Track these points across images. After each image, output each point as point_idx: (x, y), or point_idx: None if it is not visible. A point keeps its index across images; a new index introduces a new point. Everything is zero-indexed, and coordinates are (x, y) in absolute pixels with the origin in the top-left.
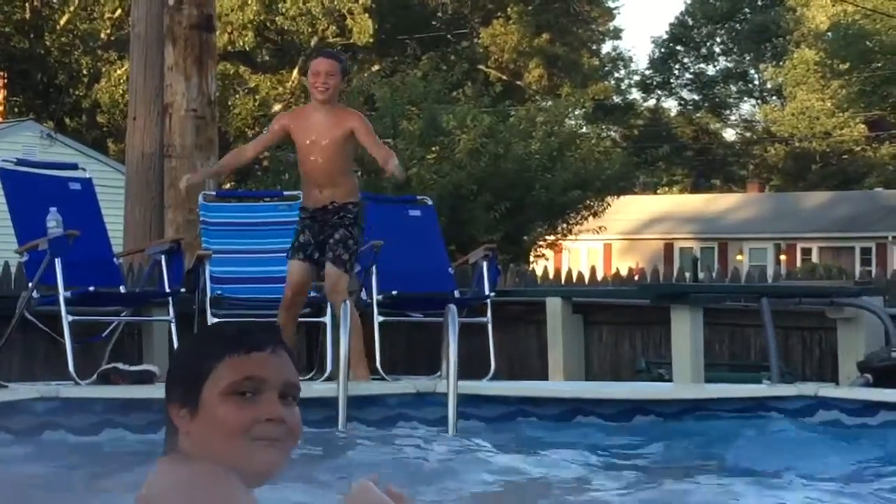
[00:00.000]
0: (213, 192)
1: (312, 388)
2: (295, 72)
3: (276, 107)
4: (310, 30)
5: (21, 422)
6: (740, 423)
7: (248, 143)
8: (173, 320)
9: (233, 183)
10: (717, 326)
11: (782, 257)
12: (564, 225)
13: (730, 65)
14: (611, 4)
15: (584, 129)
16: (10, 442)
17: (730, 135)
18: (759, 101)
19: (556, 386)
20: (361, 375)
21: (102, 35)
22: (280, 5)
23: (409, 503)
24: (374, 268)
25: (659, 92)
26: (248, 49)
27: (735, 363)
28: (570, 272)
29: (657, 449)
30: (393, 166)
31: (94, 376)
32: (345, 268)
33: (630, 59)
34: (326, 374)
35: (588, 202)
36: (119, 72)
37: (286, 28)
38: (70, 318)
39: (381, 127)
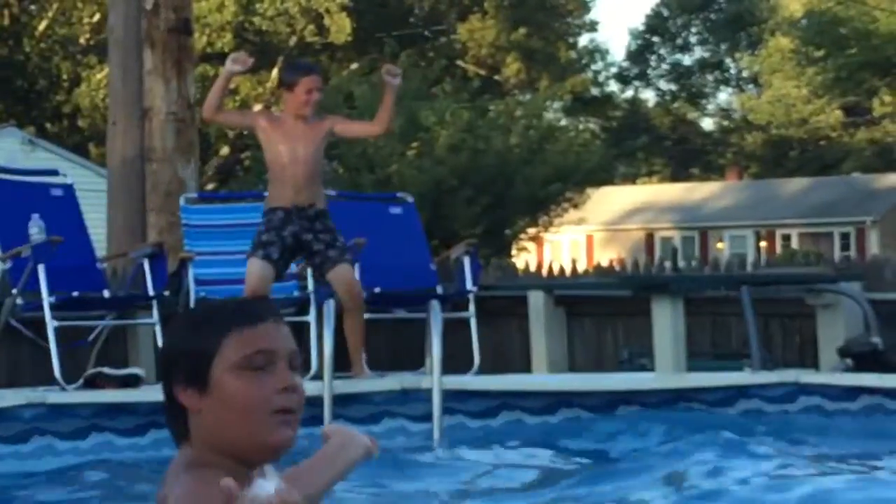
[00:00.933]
0: (195, 195)
1: None
2: (274, 72)
3: (257, 107)
4: (288, 30)
5: (8, 428)
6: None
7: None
8: (158, 323)
9: (214, 184)
10: (698, 316)
11: (762, 244)
12: (546, 217)
13: (706, 55)
14: None
15: (562, 122)
16: None
17: (707, 124)
18: (736, 90)
19: (541, 379)
20: (362, 371)
21: (81, 40)
22: (257, 6)
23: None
24: (357, 265)
25: (636, 83)
26: (226, 51)
27: (717, 352)
28: (551, 265)
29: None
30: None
31: (81, 381)
32: (353, 266)
33: (607, 51)
34: (311, 373)
35: (568, 194)
36: (99, 76)
37: (264, 29)
38: (55, 323)
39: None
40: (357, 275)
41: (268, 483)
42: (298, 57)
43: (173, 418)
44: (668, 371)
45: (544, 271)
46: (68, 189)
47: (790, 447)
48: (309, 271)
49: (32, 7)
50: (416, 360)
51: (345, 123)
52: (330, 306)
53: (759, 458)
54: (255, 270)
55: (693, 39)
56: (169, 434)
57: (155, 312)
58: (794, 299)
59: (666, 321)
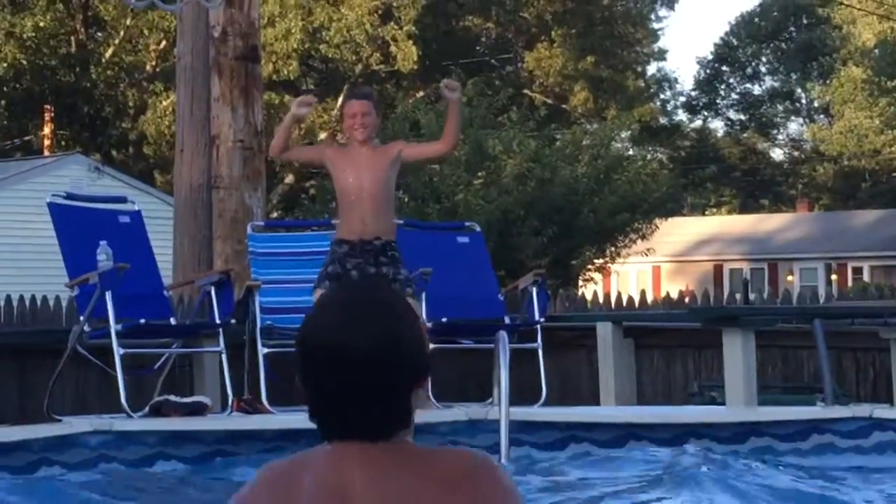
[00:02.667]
0: (261, 223)
1: None
2: (340, 100)
3: (322, 135)
4: (354, 57)
5: (76, 455)
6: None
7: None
8: (224, 351)
9: (279, 212)
10: (769, 349)
11: (833, 277)
12: (613, 248)
13: (776, 84)
14: (655, 26)
15: (630, 152)
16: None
17: (778, 154)
18: (807, 120)
19: (608, 411)
20: (427, 401)
21: (148, 67)
22: (324, 34)
23: None
24: (423, 295)
25: (705, 112)
26: (292, 78)
27: (788, 385)
28: (619, 296)
29: None
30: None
31: (147, 409)
32: (416, 299)
33: (675, 80)
34: None
35: (636, 224)
36: (165, 103)
37: (330, 56)
38: (121, 350)
39: None
40: (423, 304)
41: None
42: (363, 84)
43: (396, 415)
44: (739, 404)
45: (612, 302)
46: (136, 216)
47: (865, 484)
48: None
49: (99, 34)
50: (483, 391)
51: (411, 146)
52: None
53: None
54: None
55: (763, 69)
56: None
57: (221, 341)
58: (867, 332)
59: (737, 354)
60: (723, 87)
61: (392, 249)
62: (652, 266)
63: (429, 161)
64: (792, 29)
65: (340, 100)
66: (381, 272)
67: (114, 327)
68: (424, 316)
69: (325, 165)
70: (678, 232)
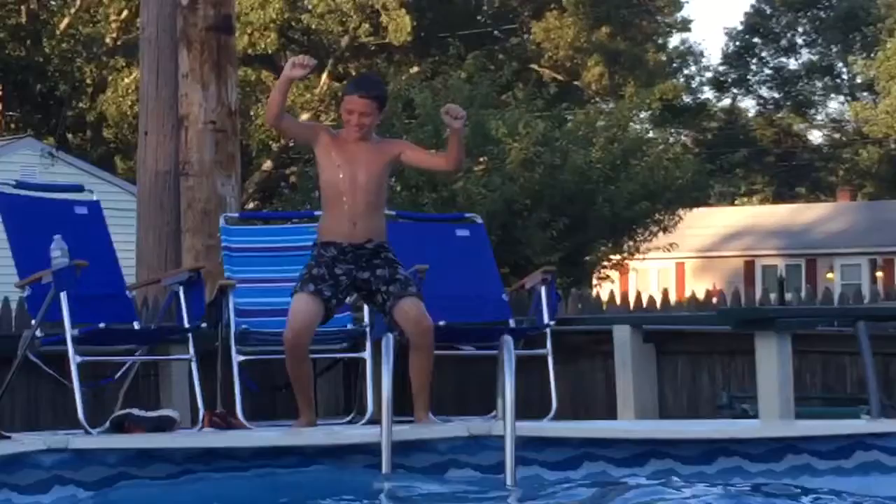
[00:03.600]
0: (236, 215)
1: (352, 433)
2: (324, 76)
3: (304, 115)
4: (340, 28)
5: (26, 476)
6: None
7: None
8: (194, 359)
9: (256, 203)
10: (807, 355)
11: (879, 274)
12: (631, 242)
13: (814, 58)
14: None
15: (650, 134)
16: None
17: (816, 137)
18: (849, 98)
19: (627, 426)
20: (425, 416)
21: (108, 39)
22: (306, 2)
23: None
24: (420, 293)
25: (734, 90)
26: (270, 52)
27: (829, 396)
28: (639, 296)
29: None
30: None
31: (107, 424)
32: (421, 298)
33: (701, 53)
34: (367, 417)
35: (657, 216)
36: (127, 80)
37: (313, 27)
38: (78, 358)
39: (423, 136)
40: None
41: None
42: (350, 59)
43: None
44: (773, 418)
45: (631, 303)
46: (94, 207)
47: None
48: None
49: (53, 2)
50: (485, 404)
51: (414, 151)
52: (389, 341)
53: None
54: (301, 308)
55: (799, 40)
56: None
57: (190, 347)
58: None
59: (772, 361)
60: (754, 61)
61: (386, 251)
62: (675, 262)
63: (428, 170)
64: None
65: (324, 79)
66: (376, 274)
67: (70, 332)
68: None
69: (315, 150)
70: (704, 224)
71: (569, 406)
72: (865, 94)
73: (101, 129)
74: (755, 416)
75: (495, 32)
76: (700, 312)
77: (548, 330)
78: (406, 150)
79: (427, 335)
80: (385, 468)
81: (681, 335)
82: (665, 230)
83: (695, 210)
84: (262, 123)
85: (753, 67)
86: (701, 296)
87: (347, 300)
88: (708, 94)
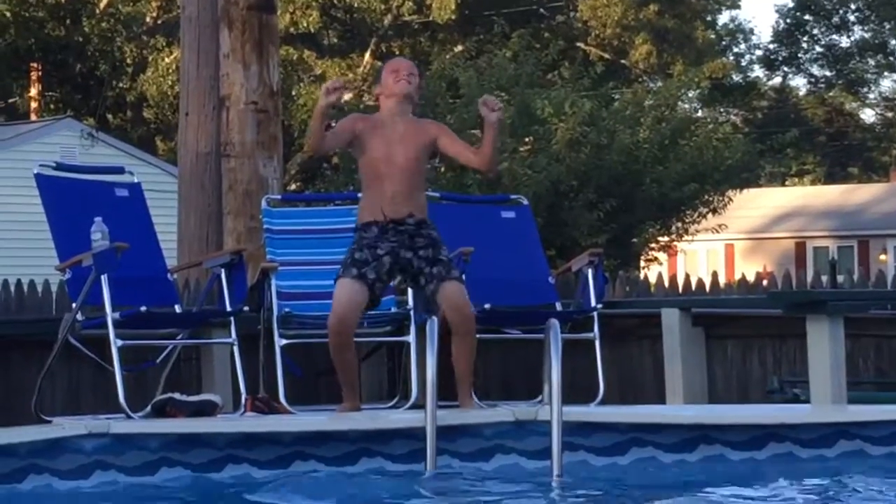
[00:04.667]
0: (278, 196)
1: (396, 418)
2: (367, 55)
3: (347, 96)
4: (383, 7)
5: (67, 461)
6: None
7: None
8: (236, 343)
9: (298, 184)
10: (860, 338)
11: None
12: (679, 224)
13: (867, 35)
14: None
15: (699, 114)
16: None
17: (868, 116)
18: None
19: (676, 410)
20: (470, 400)
21: (148, 19)
22: None
23: None
24: (463, 277)
25: (785, 68)
26: (312, 30)
27: (882, 381)
28: (687, 278)
29: None
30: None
31: (148, 408)
32: (463, 283)
33: (751, 31)
34: (412, 402)
35: (706, 197)
36: (168, 60)
37: (356, 5)
38: (119, 342)
39: (467, 116)
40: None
41: None
42: (393, 38)
43: None
44: (825, 403)
45: (679, 285)
46: (135, 188)
47: None
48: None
49: None
50: (531, 388)
51: (451, 140)
52: (433, 325)
53: None
54: (346, 293)
55: (852, 17)
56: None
57: (233, 330)
58: None
59: (823, 344)
60: (805, 38)
61: (428, 228)
62: (724, 244)
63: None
64: None
65: (367, 58)
66: (419, 255)
67: (111, 316)
68: None
69: (356, 140)
70: (754, 205)
71: (616, 391)
72: None
73: (142, 109)
74: (806, 401)
75: (541, 10)
76: (750, 295)
77: (595, 313)
78: (443, 136)
79: (468, 322)
80: (430, 454)
81: (730, 318)
82: (714, 211)
83: (744, 191)
84: (304, 103)
85: (804, 45)
86: (751, 278)
87: (392, 283)
88: (758, 72)
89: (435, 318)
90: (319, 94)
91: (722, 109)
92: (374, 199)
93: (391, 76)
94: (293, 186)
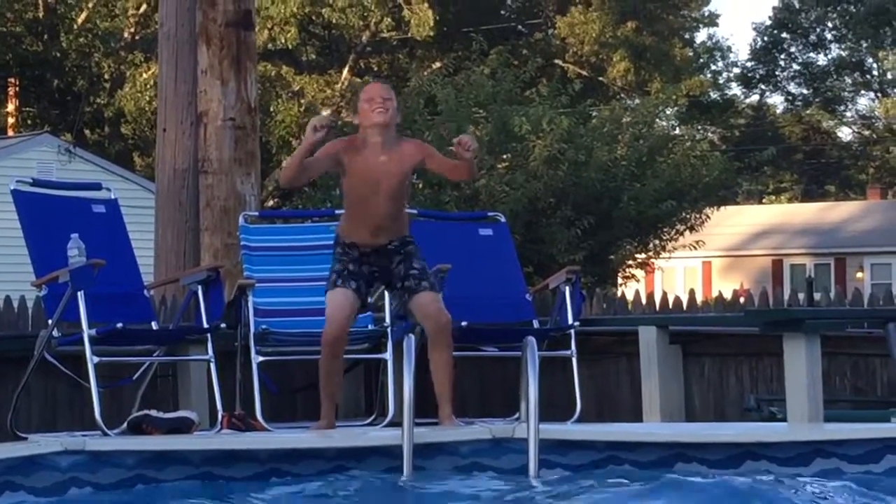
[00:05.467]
0: (255, 213)
1: (373, 436)
2: (345, 71)
3: (325, 111)
4: (361, 23)
5: (43, 478)
6: None
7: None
8: (212, 359)
9: (276, 200)
10: (836, 357)
11: None
12: (657, 241)
13: (844, 53)
14: None
15: (677, 131)
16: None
17: (845, 134)
18: (879, 95)
19: (653, 428)
20: (448, 416)
21: (126, 34)
22: None
23: None
24: (437, 287)
25: (762, 86)
26: (291, 47)
27: (858, 399)
28: (665, 296)
29: None
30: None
31: (124, 425)
32: (439, 293)
33: (729, 48)
34: (389, 419)
35: (683, 214)
36: (145, 76)
37: (334, 22)
38: (95, 359)
39: (445, 134)
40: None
41: None
42: (371, 54)
43: None
44: (801, 421)
45: (657, 303)
46: (112, 205)
47: None
48: (386, 301)
49: None
50: (508, 406)
51: (434, 158)
52: (410, 341)
53: None
54: (339, 302)
55: (828, 36)
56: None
57: (209, 347)
58: None
59: (800, 363)
60: (783, 56)
61: (407, 244)
62: (702, 262)
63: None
64: None
65: (345, 74)
66: (398, 265)
67: (87, 332)
68: None
69: (338, 165)
70: (732, 223)
71: (593, 408)
72: None
73: (119, 125)
74: (783, 419)
75: (519, 27)
76: (727, 313)
77: (572, 330)
78: (426, 157)
79: (445, 331)
80: (406, 471)
81: (707, 336)
82: (692, 229)
83: (722, 208)
84: (282, 119)
85: (782, 63)
86: (728, 296)
87: (372, 291)
88: (735, 90)
89: (412, 336)
90: (307, 131)
91: (699, 127)
92: (357, 224)
93: (366, 105)
94: (271, 203)
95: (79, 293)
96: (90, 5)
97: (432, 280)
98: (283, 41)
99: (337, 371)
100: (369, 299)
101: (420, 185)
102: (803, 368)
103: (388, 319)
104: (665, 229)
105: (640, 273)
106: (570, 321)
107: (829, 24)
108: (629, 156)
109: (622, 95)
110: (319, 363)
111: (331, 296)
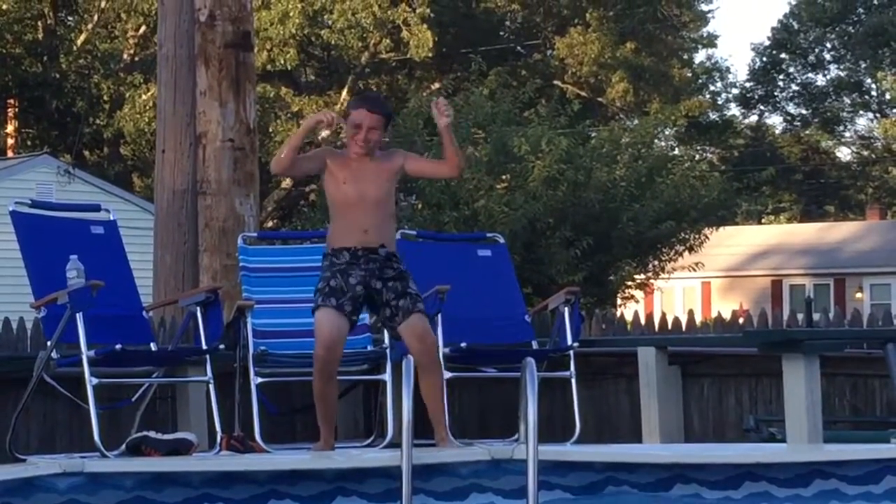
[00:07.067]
0: (254, 234)
1: (372, 457)
2: (344, 92)
3: (324, 132)
4: (360, 44)
5: (42, 501)
6: None
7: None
8: (211, 381)
9: (275, 221)
10: (836, 377)
11: None
12: (656, 262)
13: (842, 73)
14: (704, 8)
15: (676, 152)
16: None
17: (844, 154)
18: (878, 115)
19: (652, 449)
20: (445, 439)
21: (125, 55)
22: (326, 17)
23: None
24: (439, 316)
25: (761, 107)
26: (290, 68)
27: (858, 420)
28: (664, 317)
29: None
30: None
31: (123, 447)
32: (428, 317)
33: (727, 69)
34: (388, 440)
35: (683, 235)
36: (145, 97)
37: (333, 43)
38: (94, 380)
39: None
40: (440, 327)
41: None
42: (370, 75)
43: None
44: (801, 442)
45: (656, 324)
46: (111, 226)
47: None
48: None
49: (70, 18)
50: (507, 427)
51: (413, 161)
52: (409, 363)
53: None
54: (328, 321)
55: (827, 56)
56: None
57: (208, 369)
58: None
59: (799, 383)
60: (781, 77)
61: (397, 261)
62: (701, 282)
63: (433, 178)
64: (860, 11)
65: (345, 95)
66: (388, 286)
67: (86, 354)
68: (441, 340)
69: (322, 174)
70: (731, 243)
71: (593, 429)
72: (895, 110)
73: (119, 146)
74: (783, 440)
75: (518, 48)
76: (726, 334)
77: (571, 351)
78: (407, 161)
79: (431, 353)
80: (406, 492)
81: (707, 357)
82: (690, 249)
83: (721, 229)
84: (281, 140)
85: (781, 84)
86: (727, 316)
87: (363, 313)
88: (734, 110)
89: (411, 357)
90: (310, 117)
91: (698, 147)
92: (346, 227)
93: (352, 130)
94: (270, 224)
95: (77, 315)
96: (89, 27)
97: (424, 305)
98: (282, 62)
99: (331, 391)
100: (365, 317)
101: (419, 206)
102: (802, 389)
103: (387, 341)
104: (664, 250)
105: (639, 294)
106: (570, 342)
107: (828, 45)
108: (628, 176)
109: (621, 116)
110: (313, 386)
111: (319, 315)
